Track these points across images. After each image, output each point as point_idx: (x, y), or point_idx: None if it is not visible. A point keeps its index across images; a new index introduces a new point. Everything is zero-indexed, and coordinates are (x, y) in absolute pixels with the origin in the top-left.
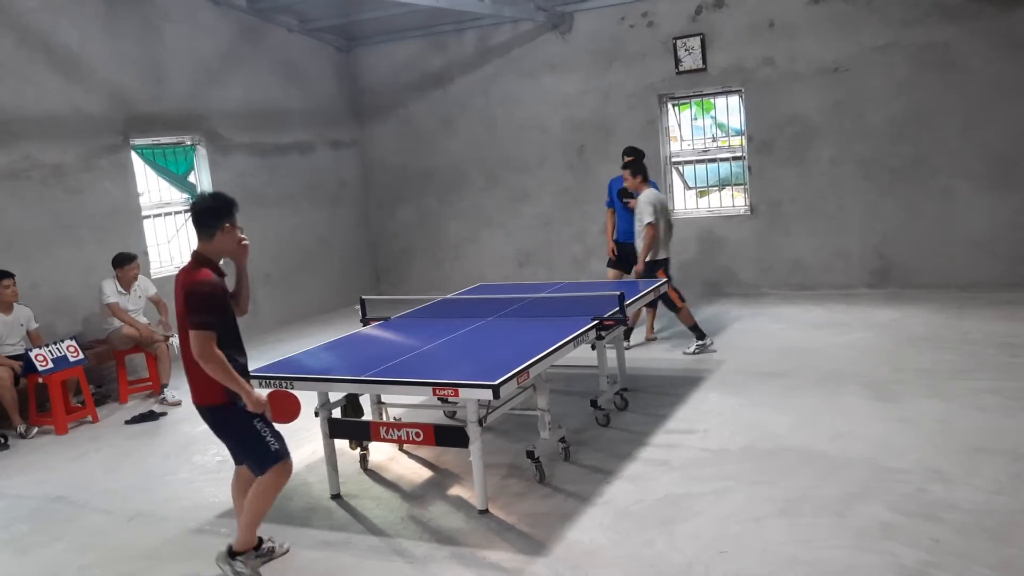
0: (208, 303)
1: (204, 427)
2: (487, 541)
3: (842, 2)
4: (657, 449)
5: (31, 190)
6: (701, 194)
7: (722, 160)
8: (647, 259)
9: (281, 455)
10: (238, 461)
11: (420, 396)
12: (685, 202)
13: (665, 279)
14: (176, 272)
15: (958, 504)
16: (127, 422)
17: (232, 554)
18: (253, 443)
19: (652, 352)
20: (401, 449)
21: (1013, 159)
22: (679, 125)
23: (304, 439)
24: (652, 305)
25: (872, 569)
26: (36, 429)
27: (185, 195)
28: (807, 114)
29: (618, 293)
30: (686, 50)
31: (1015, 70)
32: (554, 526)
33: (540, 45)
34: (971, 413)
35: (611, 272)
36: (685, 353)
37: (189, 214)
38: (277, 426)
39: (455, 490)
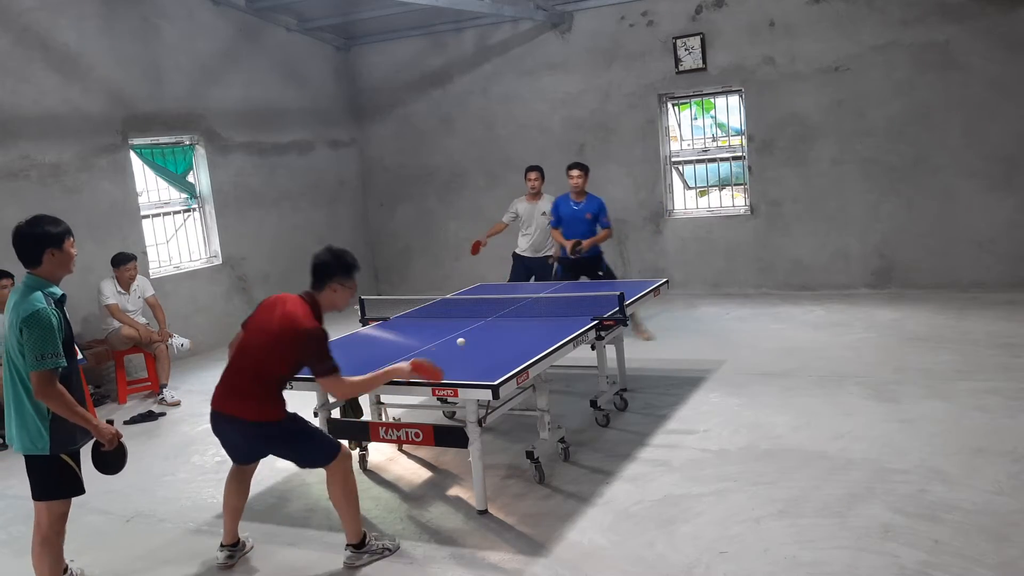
0: (329, 346)
1: (204, 427)
2: (487, 542)
3: (842, 1)
4: (657, 449)
5: (29, 190)
6: (701, 194)
7: (722, 160)
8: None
9: (339, 442)
10: (304, 465)
11: (420, 396)
12: (685, 202)
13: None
14: (271, 299)
15: (959, 505)
16: (126, 422)
17: (357, 547)
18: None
19: (652, 352)
20: (400, 449)
21: (1014, 159)
22: (679, 125)
23: None
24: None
25: (873, 570)
26: None
27: (184, 195)
28: (807, 114)
29: (618, 293)
30: (686, 49)
31: (1016, 70)
32: (554, 527)
33: (540, 44)
34: (972, 414)
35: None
36: None
37: (320, 263)
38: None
39: (454, 490)
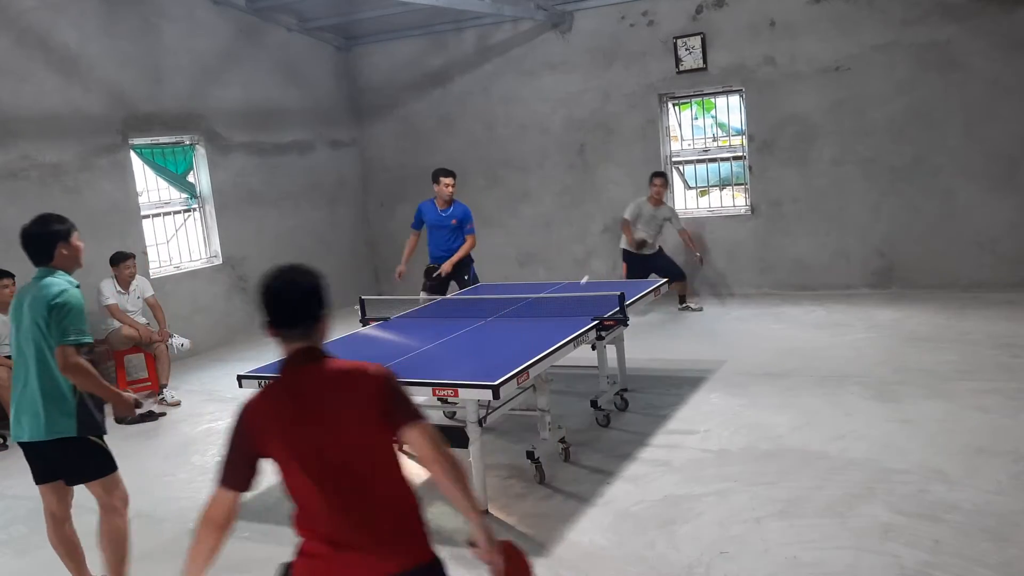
0: None
1: (204, 427)
2: None
3: (843, 1)
4: (657, 450)
5: (29, 190)
6: (701, 194)
7: (723, 160)
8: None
9: None
10: None
11: (420, 396)
12: (685, 202)
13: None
14: (284, 389)
15: (959, 505)
16: (126, 423)
17: None
18: None
19: (652, 352)
20: (401, 449)
21: (1015, 158)
22: (679, 125)
23: None
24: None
25: (873, 570)
26: None
27: (184, 194)
28: (808, 114)
29: (618, 293)
30: (686, 49)
31: (1016, 69)
32: (554, 527)
33: (540, 44)
34: (972, 414)
35: (423, 295)
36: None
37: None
38: None
39: None
